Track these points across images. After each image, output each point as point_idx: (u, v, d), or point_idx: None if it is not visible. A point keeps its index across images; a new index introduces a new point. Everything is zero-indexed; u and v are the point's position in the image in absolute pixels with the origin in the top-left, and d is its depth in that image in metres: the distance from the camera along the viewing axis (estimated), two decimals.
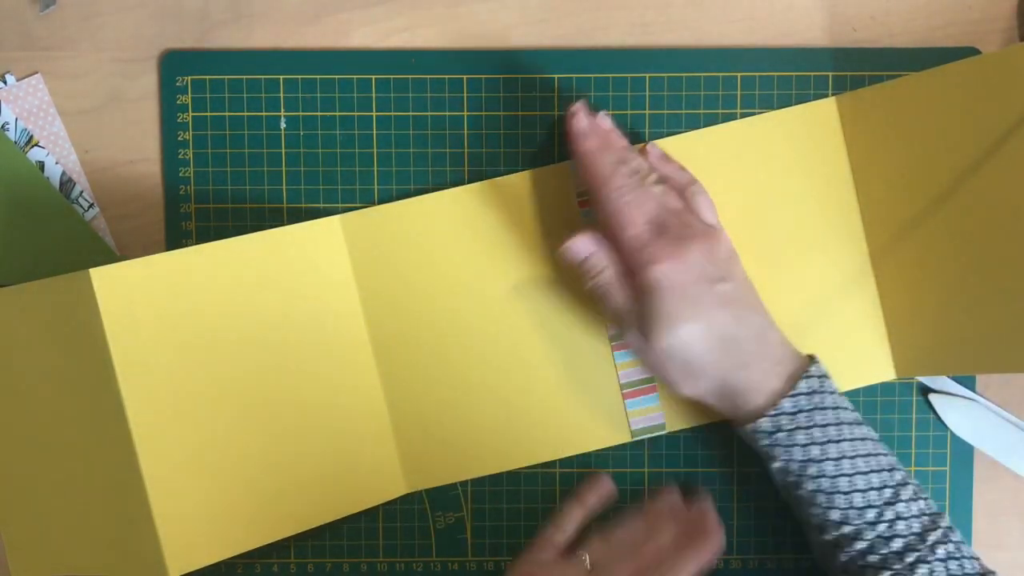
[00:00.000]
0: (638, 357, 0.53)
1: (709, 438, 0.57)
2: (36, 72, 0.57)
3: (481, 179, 0.57)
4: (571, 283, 0.56)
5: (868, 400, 0.57)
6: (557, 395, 0.56)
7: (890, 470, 0.49)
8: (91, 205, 0.57)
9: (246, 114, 0.57)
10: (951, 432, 0.57)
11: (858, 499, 0.49)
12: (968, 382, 0.57)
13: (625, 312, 0.50)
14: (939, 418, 0.57)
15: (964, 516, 0.57)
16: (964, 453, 0.57)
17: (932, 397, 0.57)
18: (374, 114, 0.57)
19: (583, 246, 0.51)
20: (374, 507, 0.56)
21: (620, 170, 0.50)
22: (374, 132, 0.57)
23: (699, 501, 0.56)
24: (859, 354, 0.56)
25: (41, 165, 0.57)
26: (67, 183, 0.57)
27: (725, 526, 0.57)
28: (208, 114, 0.57)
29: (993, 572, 0.49)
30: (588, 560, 0.53)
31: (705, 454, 0.57)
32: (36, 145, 0.56)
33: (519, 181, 0.56)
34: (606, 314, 0.52)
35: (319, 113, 0.57)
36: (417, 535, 0.58)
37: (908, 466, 0.57)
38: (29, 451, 0.52)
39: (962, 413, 0.57)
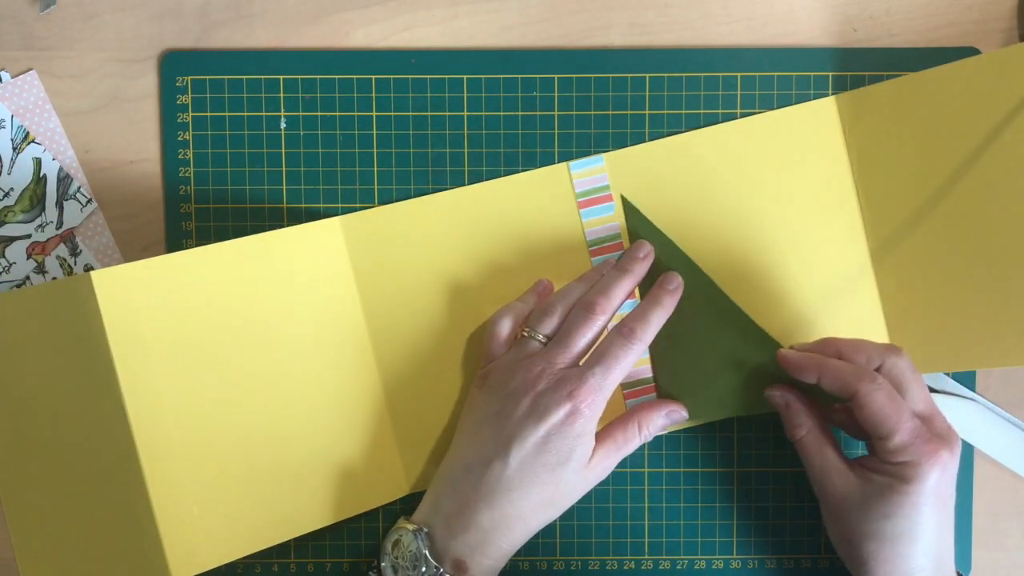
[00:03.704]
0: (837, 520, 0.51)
1: (709, 438, 0.58)
2: (31, 69, 0.57)
3: (481, 179, 0.57)
4: (568, 282, 0.56)
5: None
6: None
7: None
8: (89, 200, 0.57)
9: (246, 114, 0.57)
10: None
11: None
12: (968, 382, 0.57)
13: (840, 481, 0.50)
14: None
15: (964, 516, 0.57)
16: (964, 453, 0.57)
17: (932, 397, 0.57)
18: (374, 114, 0.57)
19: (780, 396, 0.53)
20: (374, 507, 0.56)
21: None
22: (374, 132, 0.57)
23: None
24: None
25: (38, 162, 0.57)
26: (64, 179, 0.57)
27: (726, 526, 0.58)
28: (208, 114, 0.57)
29: None
30: (537, 332, 0.52)
31: (705, 454, 0.58)
32: (32, 142, 0.56)
33: (519, 181, 0.56)
34: (810, 470, 0.52)
35: (319, 113, 0.57)
36: None
37: None
38: (33, 454, 0.52)
39: (962, 413, 0.57)
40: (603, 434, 0.52)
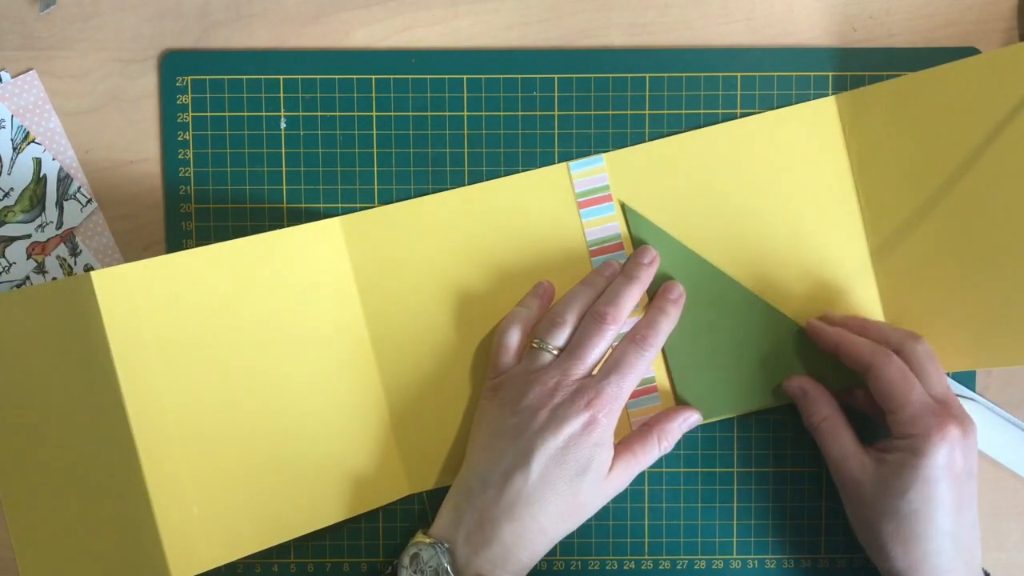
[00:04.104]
0: (857, 503, 0.51)
1: (709, 438, 0.57)
2: (31, 69, 0.57)
3: (481, 179, 0.57)
4: (567, 282, 0.56)
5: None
6: None
7: None
8: (89, 200, 0.57)
9: (246, 114, 0.57)
10: None
11: None
12: (968, 382, 0.57)
13: (857, 465, 0.51)
14: None
15: None
16: None
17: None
18: (374, 114, 0.57)
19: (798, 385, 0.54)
20: (375, 508, 0.56)
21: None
22: (374, 132, 0.57)
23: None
24: None
25: (38, 162, 0.57)
26: (64, 179, 0.57)
27: (726, 526, 0.58)
28: (208, 114, 0.57)
29: None
30: (548, 344, 0.52)
31: (705, 454, 0.58)
32: (33, 142, 0.56)
33: (519, 181, 0.56)
34: (827, 457, 0.53)
35: (319, 113, 0.57)
36: None
37: None
38: (33, 454, 0.52)
39: None
40: (622, 447, 0.52)
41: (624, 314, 0.53)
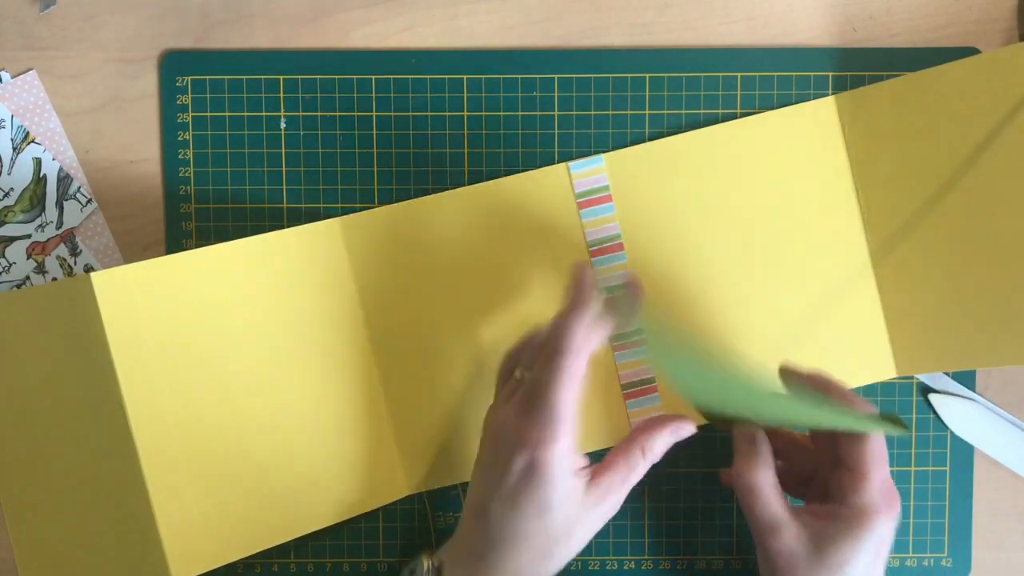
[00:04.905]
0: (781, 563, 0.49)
1: (709, 438, 0.57)
2: (31, 69, 0.57)
3: (481, 179, 0.57)
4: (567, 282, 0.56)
5: (869, 400, 0.57)
6: None
7: None
8: (89, 200, 0.57)
9: (246, 114, 0.57)
10: (951, 432, 0.57)
11: None
12: (968, 382, 0.57)
13: (791, 533, 0.49)
14: (939, 418, 0.57)
15: (964, 516, 0.57)
16: (964, 453, 0.57)
17: (932, 397, 0.57)
18: (374, 114, 0.57)
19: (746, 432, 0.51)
20: (375, 508, 0.56)
21: None
22: (374, 132, 0.57)
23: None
24: (860, 353, 0.56)
25: (38, 162, 0.57)
26: (64, 179, 0.57)
27: (726, 526, 0.58)
28: (208, 114, 0.57)
29: None
30: (519, 373, 0.49)
31: (705, 454, 0.58)
32: (32, 142, 0.56)
33: (519, 181, 0.56)
34: (757, 520, 0.49)
35: (319, 113, 0.57)
36: (417, 535, 0.58)
37: (908, 466, 0.58)
38: (33, 455, 0.52)
39: (962, 413, 0.57)
40: (603, 467, 0.48)
41: (571, 341, 0.47)
